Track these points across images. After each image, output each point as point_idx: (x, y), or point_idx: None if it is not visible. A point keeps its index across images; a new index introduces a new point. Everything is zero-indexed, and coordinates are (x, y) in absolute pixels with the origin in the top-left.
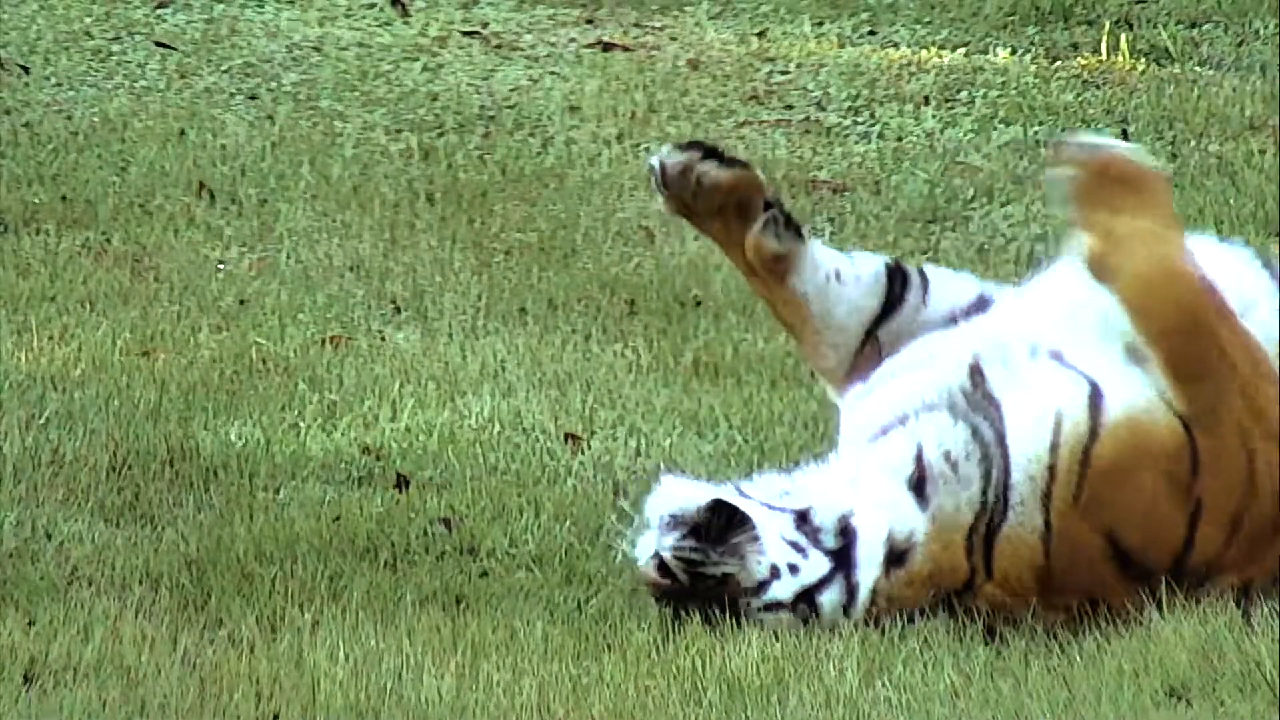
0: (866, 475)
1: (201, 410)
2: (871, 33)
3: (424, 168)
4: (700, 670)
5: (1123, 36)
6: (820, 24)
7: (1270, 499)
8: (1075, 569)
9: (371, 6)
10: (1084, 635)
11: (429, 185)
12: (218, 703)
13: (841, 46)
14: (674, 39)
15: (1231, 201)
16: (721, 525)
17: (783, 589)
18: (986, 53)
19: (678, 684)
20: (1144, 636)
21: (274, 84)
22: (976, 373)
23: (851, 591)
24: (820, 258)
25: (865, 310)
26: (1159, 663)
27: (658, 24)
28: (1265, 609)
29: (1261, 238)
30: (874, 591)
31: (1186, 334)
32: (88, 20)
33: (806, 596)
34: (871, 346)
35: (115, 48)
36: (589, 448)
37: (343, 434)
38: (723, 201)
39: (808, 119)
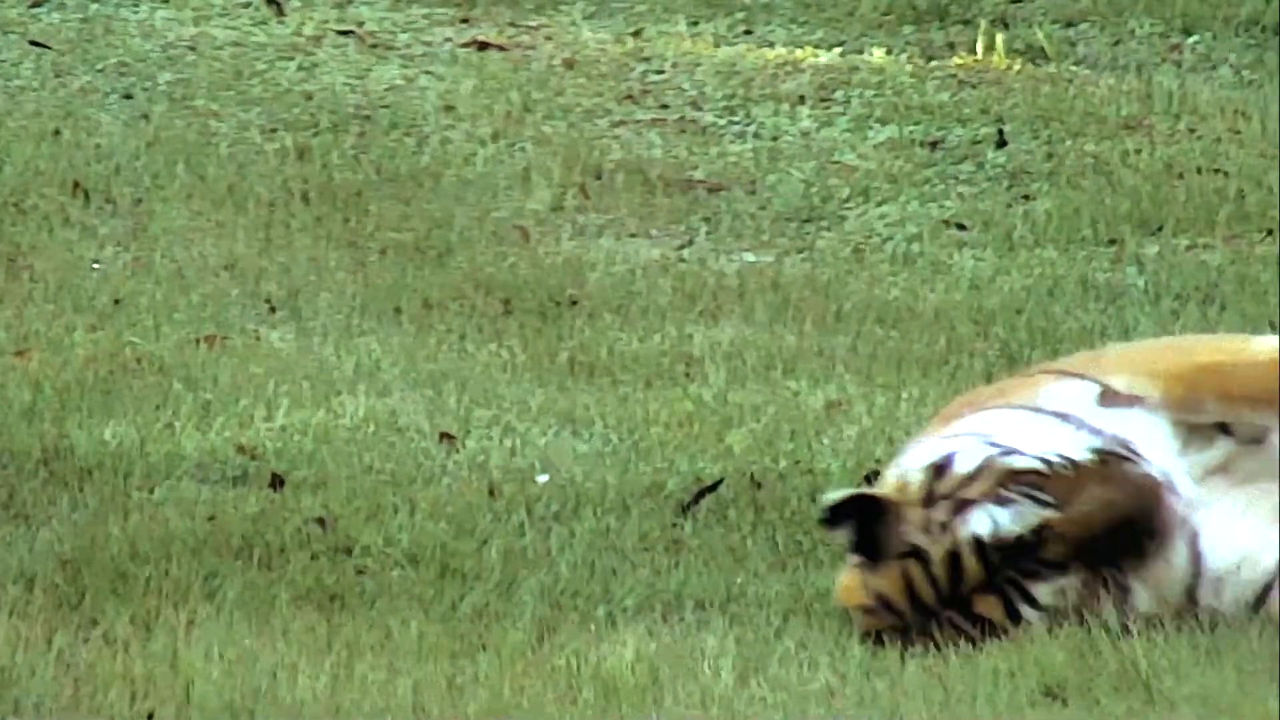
0: None
1: (76, 410)
2: (747, 32)
3: (299, 167)
4: (576, 670)
5: (998, 36)
6: (696, 24)
7: None
8: None
9: (247, 5)
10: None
11: (304, 185)
12: (92, 702)
13: (717, 46)
14: (549, 38)
15: (1107, 200)
16: None
17: None
18: (862, 52)
19: (553, 683)
20: (1020, 637)
21: (149, 83)
22: None
23: None
24: None
25: None
26: (1035, 663)
27: (533, 23)
28: (1141, 611)
29: (1138, 236)
30: None
31: None
32: None
33: None
34: None
35: None
36: (464, 447)
37: (217, 433)
38: None
39: (683, 118)
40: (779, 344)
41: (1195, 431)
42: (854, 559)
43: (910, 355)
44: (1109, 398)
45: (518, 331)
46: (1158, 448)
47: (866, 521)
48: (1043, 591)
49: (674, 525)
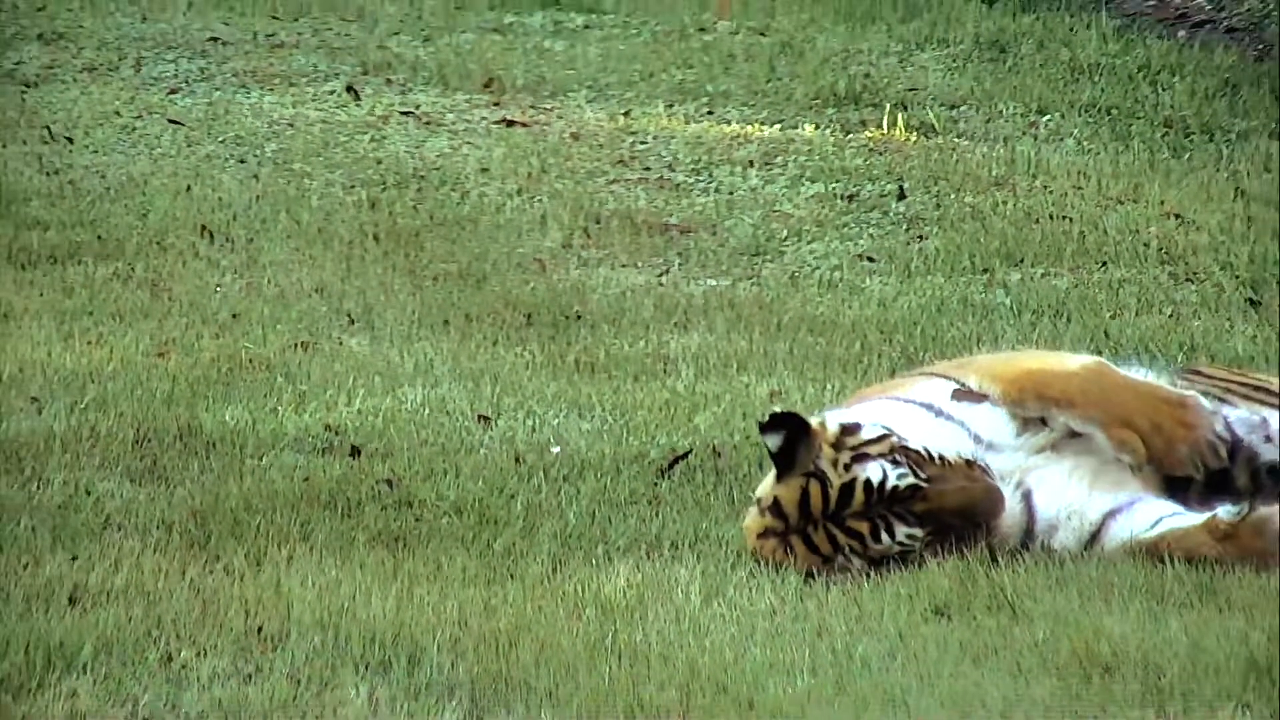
0: None
1: (203, 397)
2: (710, 113)
3: (371, 215)
4: (580, 594)
5: (900, 115)
6: (671, 106)
7: None
8: None
9: (332, 93)
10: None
11: (375, 228)
12: (215, 619)
13: (687, 123)
14: (560, 117)
15: (982, 240)
16: None
17: None
18: (796, 128)
19: (563, 605)
20: (915, 567)
21: (258, 151)
22: None
23: None
24: None
25: None
26: (927, 588)
27: (548, 106)
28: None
29: (1005, 267)
30: None
31: None
32: (117, 103)
33: None
34: None
35: (138, 124)
36: (496, 426)
37: (310, 415)
38: None
39: (661, 178)
40: (734, 348)
41: (1028, 420)
42: (749, 509)
43: (833, 357)
44: (960, 394)
45: (537, 339)
46: (999, 432)
47: (791, 438)
48: (899, 531)
49: (655, 484)
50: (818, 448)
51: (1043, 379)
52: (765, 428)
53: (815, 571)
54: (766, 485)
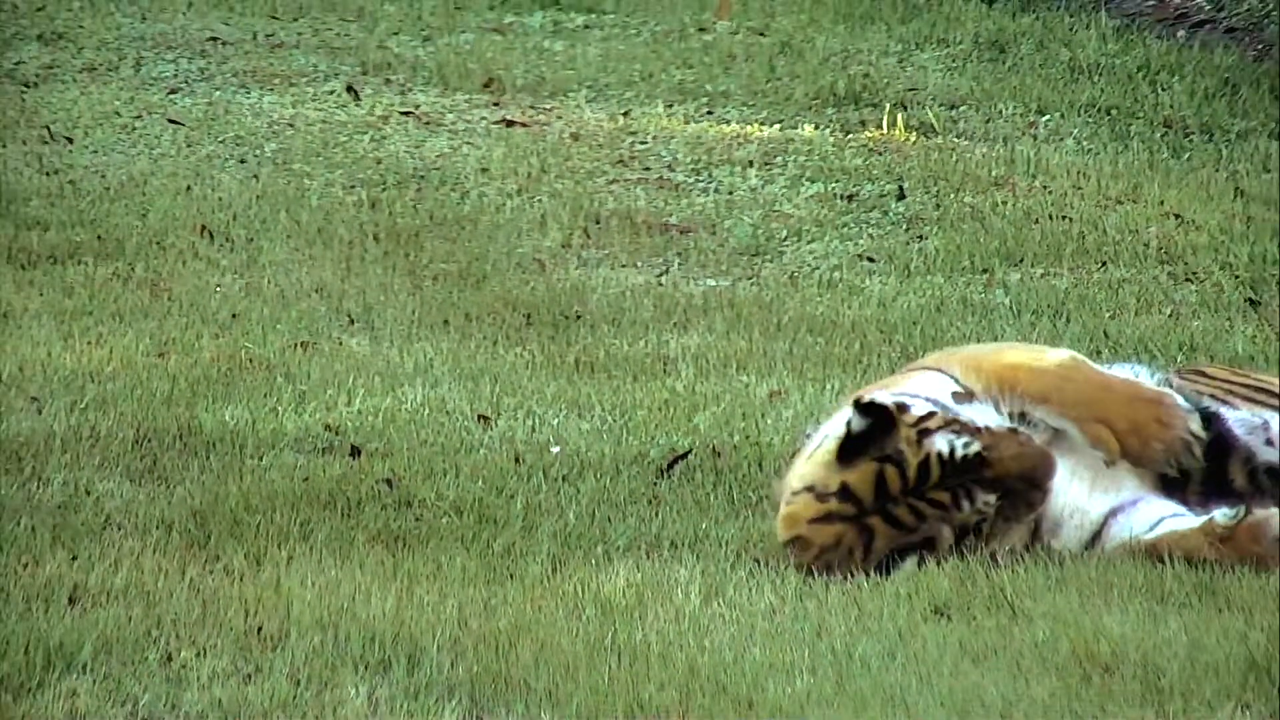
0: None
1: (203, 397)
2: (709, 113)
3: (371, 215)
4: (580, 594)
5: (899, 115)
6: (671, 106)
7: None
8: None
9: (331, 93)
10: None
11: (375, 228)
12: (215, 618)
13: (687, 123)
14: (560, 117)
15: (981, 240)
16: None
17: None
18: (796, 128)
19: (563, 604)
20: (915, 567)
21: (258, 151)
22: None
23: None
24: None
25: None
26: (927, 588)
27: (548, 106)
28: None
29: (1004, 267)
30: None
31: None
32: (117, 103)
33: None
34: None
35: (138, 124)
36: (496, 425)
37: (310, 415)
38: None
39: (661, 178)
40: (734, 348)
41: (1013, 417)
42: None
43: (833, 357)
44: (960, 397)
45: (537, 338)
46: (986, 421)
47: (875, 426)
48: (979, 497)
49: (655, 484)
50: (901, 433)
51: (1019, 375)
52: (856, 411)
53: (893, 554)
54: (817, 472)
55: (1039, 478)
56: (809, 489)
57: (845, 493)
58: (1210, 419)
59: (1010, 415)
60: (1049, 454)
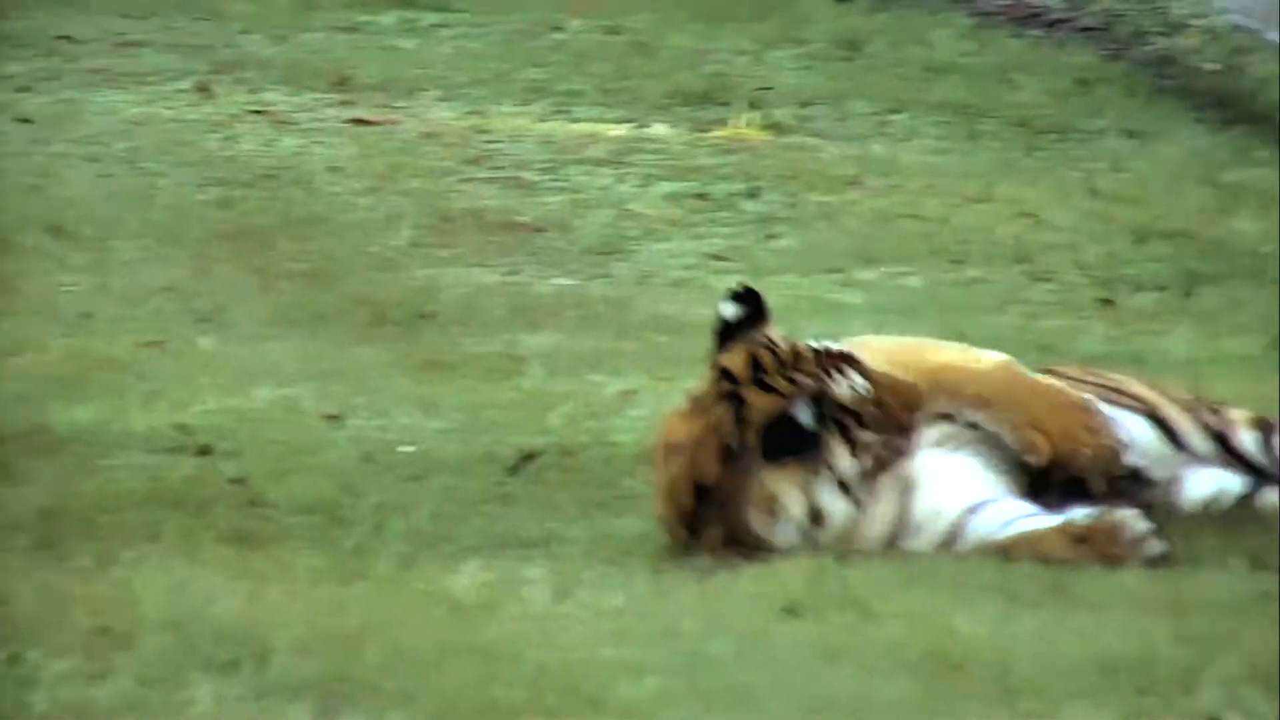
0: None
1: (54, 397)
2: (561, 111)
3: (222, 214)
4: (429, 594)
5: (752, 114)
6: (522, 104)
7: None
8: None
9: (182, 91)
10: (719, 565)
11: (226, 227)
12: (63, 619)
13: (538, 122)
14: (412, 116)
15: (834, 239)
16: None
17: None
18: (648, 126)
19: (412, 604)
20: (766, 566)
21: (109, 149)
22: None
23: None
24: None
25: None
26: (778, 586)
27: (399, 105)
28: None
29: (857, 266)
30: None
31: None
32: None
33: None
34: None
35: None
36: (346, 425)
37: (160, 415)
38: None
39: (512, 176)
40: (585, 347)
41: (930, 415)
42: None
43: (684, 356)
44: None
45: (387, 337)
46: None
47: (750, 313)
48: (854, 375)
49: (505, 484)
50: (771, 328)
51: (958, 377)
52: (730, 297)
53: (763, 425)
54: (692, 390)
55: (909, 397)
56: (687, 394)
57: (723, 373)
58: None
59: (934, 415)
60: (922, 392)
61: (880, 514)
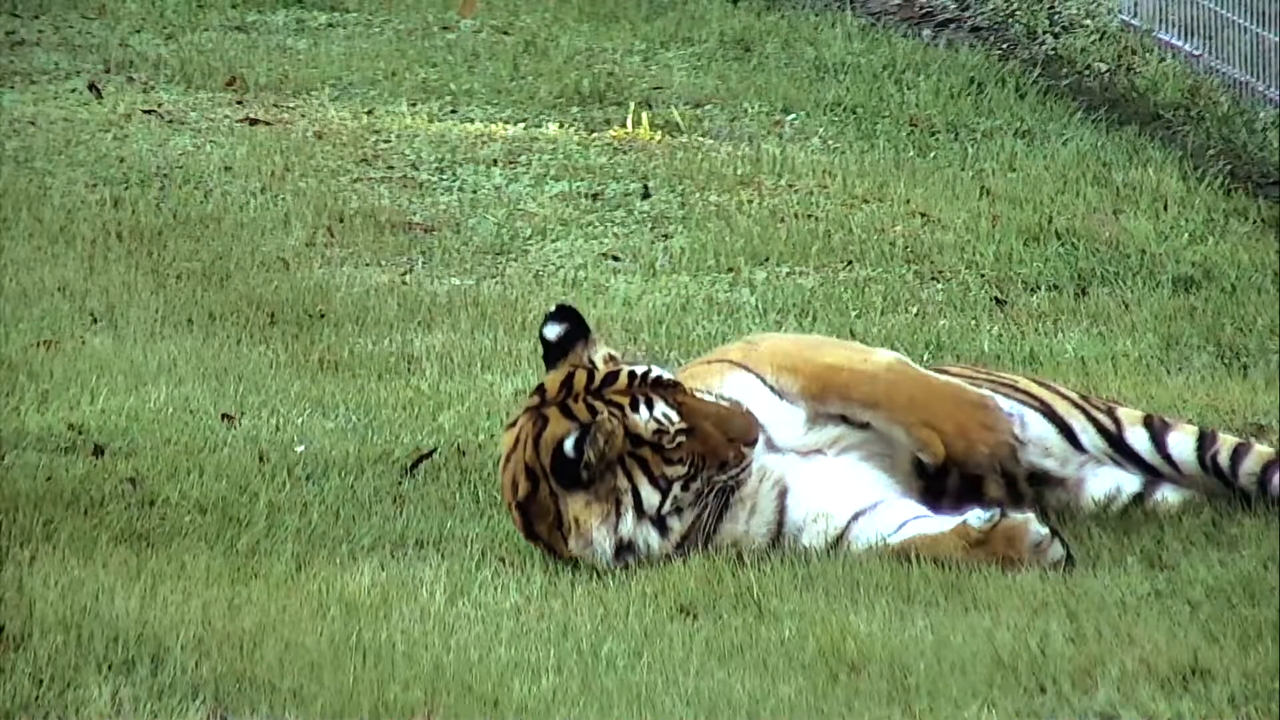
0: None
1: None
2: (453, 111)
3: (114, 213)
4: (325, 593)
5: (644, 114)
6: (415, 105)
7: None
8: None
9: (73, 91)
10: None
11: (118, 226)
12: None
13: (431, 121)
14: (304, 116)
15: (727, 239)
16: None
17: None
18: (540, 126)
19: (308, 604)
20: (661, 566)
21: None
22: None
23: None
24: None
25: None
26: (673, 586)
27: (292, 104)
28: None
29: (750, 265)
30: None
31: None
32: None
33: None
34: None
35: None
36: (240, 424)
37: (53, 414)
38: None
39: (405, 176)
40: (478, 347)
41: (820, 416)
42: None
43: None
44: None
45: (281, 337)
46: (789, 434)
47: (571, 332)
48: (658, 407)
49: (399, 483)
50: (593, 345)
51: (847, 379)
52: (548, 318)
53: (582, 434)
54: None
55: (735, 431)
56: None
57: (539, 389)
58: None
59: (824, 416)
60: (753, 418)
61: (756, 519)
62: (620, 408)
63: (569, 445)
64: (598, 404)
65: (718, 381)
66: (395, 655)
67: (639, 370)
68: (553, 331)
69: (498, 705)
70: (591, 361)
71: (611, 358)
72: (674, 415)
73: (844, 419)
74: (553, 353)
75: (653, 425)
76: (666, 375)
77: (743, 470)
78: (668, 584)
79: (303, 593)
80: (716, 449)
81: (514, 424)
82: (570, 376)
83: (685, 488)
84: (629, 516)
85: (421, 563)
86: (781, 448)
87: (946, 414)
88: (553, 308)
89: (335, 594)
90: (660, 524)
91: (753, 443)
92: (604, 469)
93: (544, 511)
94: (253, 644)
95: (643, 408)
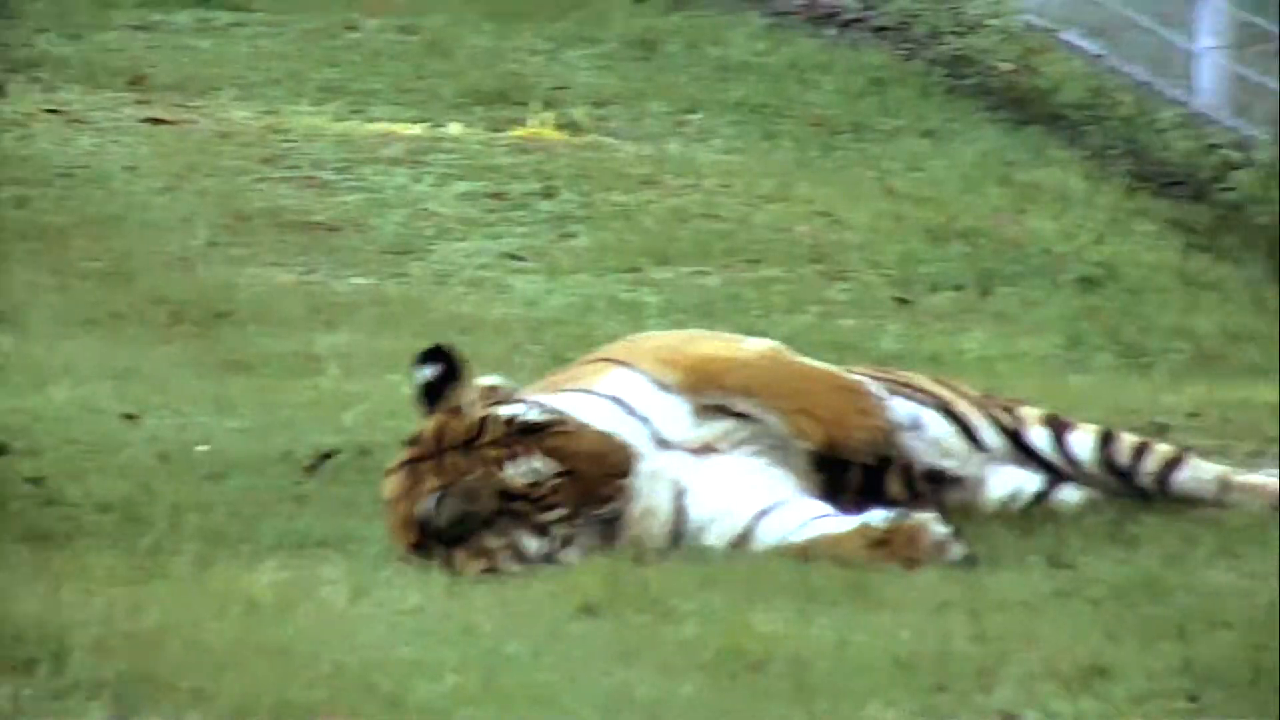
0: None
1: None
2: (356, 111)
3: (17, 213)
4: (227, 593)
5: (547, 114)
6: (318, 104)
7: None
8: None
9: None
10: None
11: (22, 225)
12: None
13: (334, 121)
14: (207, 115)
15: (630, 238)
16: None
17: None
18: (444, 126)
19: (210, 603)
20: (563, 566)
21: None
22: None
23: None
24: None
25: None
26: (574, 586)
27: (195, 104)
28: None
29: (653, 265)
30: None
31: None
32: None
33: None
34: None
35: None
36: (143, 424)
37: None
38: None
39: (308, 176)
40: (382, 346)
41: (705, 409)
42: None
43: (481, 355)
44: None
45: (184, 337)
46: (678, 428)
47: (444, 374)
48: (526, 462)
49: (302, 483)
50: (467, 384)
51: (721, 367)
52: (420, 360)
53: (442, 500)
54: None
55: (609, 464)
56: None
57: (415, 439)
58: None
59: (702, 410)
60: (629, 448)
61: (652, 520)
62: (491, 463)
63: (432, 507)
64: (467, 461)
65: (599, 380)
66: (297, 655)
67: (512, 415)
68: (425, 374)
69: (399, 705)
70: (465, 406)
71: (491, 389)
72: (547, 466)
73: (722, 410)
74: (427, 396)
75: (525, 480)
76: (539, 415)
77: (621, 501)
78: (570, 584)
79: (205, 592)
80: (594, 488)
81: (393, 471)
82: (443, 427)
83: (570, 524)
84: (513, 565)
85: (324, 562)
86: (671, 443)
87: (821, 400)
88: (428, 349)
89: (237, 594)
90: (548, 559)
91: (629, 474)
92: (479, 525)
93: (435, 556)
94: (154, 643)
95: (514, 462)
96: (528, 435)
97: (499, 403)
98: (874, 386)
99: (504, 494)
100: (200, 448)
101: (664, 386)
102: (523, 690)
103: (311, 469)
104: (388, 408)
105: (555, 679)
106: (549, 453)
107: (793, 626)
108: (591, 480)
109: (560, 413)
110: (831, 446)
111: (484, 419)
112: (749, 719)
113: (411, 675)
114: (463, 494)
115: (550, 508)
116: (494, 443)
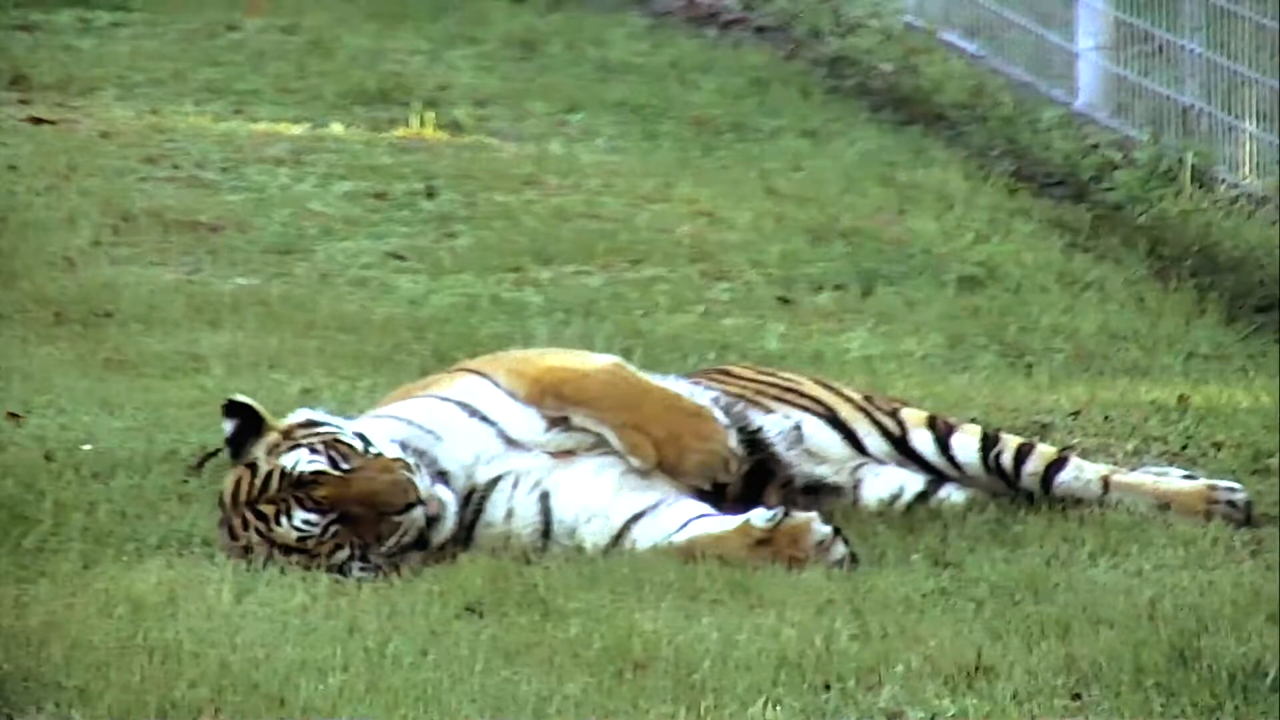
0: None
1: None
2: (239, 111)
3: None
4: (111, 592)
5: (429, 114)
6: (200, 104)
7: None
8: None
9: None
10: (403, 565)
11: None
12: None
13: (217, 121)
14: (89, 115)
15: (512, 238)
16: None
17: None
18: (326, 126)
19: (94, 602)
20: (448, 566)
21: None
22: None
23: None
24: None
25: None
26: (459, 586)
27: (76, 104)
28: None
29: (536, 265)
30: None
31: None
32: None
33: None
34: None
35: None
36: (26, 423)
37: None
38: None
39: (191, 176)
40: (265, 346)
41: (555, 420)
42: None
43: (364, 355)
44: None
45: (67, 336)
46: (529, 431)
47: (242, 427)
48: (298, 516)
49: (185, 482)
50: (267, 439)
51: (560, 378)
52: (223, 412)
53: (249, 559)
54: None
55: (380, 504)
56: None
57: (220, 496)
58: (755, 443)
59: (553, 420)
60: (402, 483)
61: (515, 521)
62: (266, 519)
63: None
64: (249, 516)
65: (451, 386)
66: (182, 654)
67: (287, 466)
68: (226, 428)
69: (284, 704)
70: (259, 460)
71: (309, 424)
72: (316, 517)
73: (565, 422)
74: (232, 448)
75: (296, 534)
76: (309, 465)
77: (406, 535)
78: (454, 583)
79: (89, 591)
80: (370, 529)
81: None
82: (239, 482)
83: (364, 559)
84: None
85: (208, 561)
86: (524, 445)
87: (658, 419)
88: (229, 402)
89: (122, 592)
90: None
91: (406, 509)
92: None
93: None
94: (39, 642)
95: (286, 516)
96: (300, 488)
97: (295, 446)
98: (718, 413)
99: (284, 548)
100: (85, 447)
101: (512, 394)
102: (408, 689)
103: (196, 468)
104: (272, 407)
105: (440, 678)
106: (318, 503)
107: (677, 626)
108: (367, 522)
109: (350, 448)
110: (664, 467)
111: (269, 473)
112: (634, 718)
113: (296, 674)
114: (240, 554)
115: (333, 552)
116: (270, 499)
